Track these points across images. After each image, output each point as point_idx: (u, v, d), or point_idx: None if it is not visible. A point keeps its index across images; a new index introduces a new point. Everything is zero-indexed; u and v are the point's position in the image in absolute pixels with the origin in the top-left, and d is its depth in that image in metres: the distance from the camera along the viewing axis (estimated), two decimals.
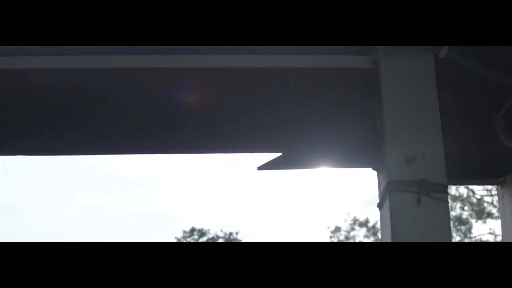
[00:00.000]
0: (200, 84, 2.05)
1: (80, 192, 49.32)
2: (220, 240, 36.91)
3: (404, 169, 1.91)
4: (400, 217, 1.87)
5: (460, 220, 28.70)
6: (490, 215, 25.04)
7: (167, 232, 47.56)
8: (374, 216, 37.45)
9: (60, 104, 2.06)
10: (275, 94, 2.07)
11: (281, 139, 2.07)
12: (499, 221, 2.60)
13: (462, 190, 26.39)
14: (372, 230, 35.41)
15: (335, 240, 36.15)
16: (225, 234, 37.13)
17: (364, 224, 35.84)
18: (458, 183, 2.26)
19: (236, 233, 37.11)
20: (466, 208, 27.79)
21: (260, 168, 2.05)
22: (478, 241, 28.32)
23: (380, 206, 1.98)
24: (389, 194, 1.89)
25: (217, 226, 52.30)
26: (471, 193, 26.32)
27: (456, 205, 27.38)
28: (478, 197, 26.09)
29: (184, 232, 37.08)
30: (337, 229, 36.53)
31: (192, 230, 37.14)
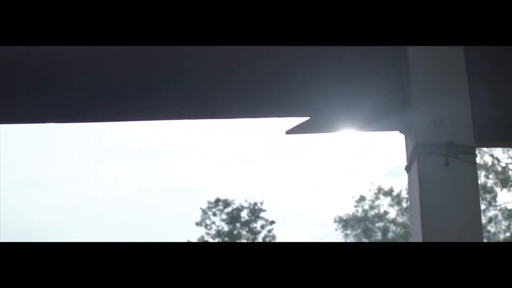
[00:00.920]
0: (227, 49, 2.05)
1: (102, 164, 49.59)
2: (245, 211, 37.20)
3: (432, 131, 1.91)
4: (428, 179, 1.88)
5: (485, 188, 28.54)
6: None
7: (192, 203, 47.86)
8: (399, 185, 37.40)
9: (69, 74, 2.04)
10: (302, 57, 2.07)
11: (308, 102, 2.08)
12: None
13: (487, 158, 26.25)
14: (396, 199, 35.38)
15: (359, 209, 36.26)
16: (250, 204, 37.38)
17: (388, 193, 35.82)
18: (486, 145, 2.26)
19: (261, 203, 37.36)
20: (491, 176, 27.62)
21: (288, 132, 2.06)
22: (503, 209, 28.18)
23: (408, 169, 1.99)
24: (417, 157, 1.90)
25: (242, 196, 52.65)
26: (496, 161, 26.15)
27: (481, 174, 27.20)
28: (503, 165, 25.91)
29: (209, 203, 37.43)
30: (362, 198, 36.59)
31: (217, 200, 37.45)
